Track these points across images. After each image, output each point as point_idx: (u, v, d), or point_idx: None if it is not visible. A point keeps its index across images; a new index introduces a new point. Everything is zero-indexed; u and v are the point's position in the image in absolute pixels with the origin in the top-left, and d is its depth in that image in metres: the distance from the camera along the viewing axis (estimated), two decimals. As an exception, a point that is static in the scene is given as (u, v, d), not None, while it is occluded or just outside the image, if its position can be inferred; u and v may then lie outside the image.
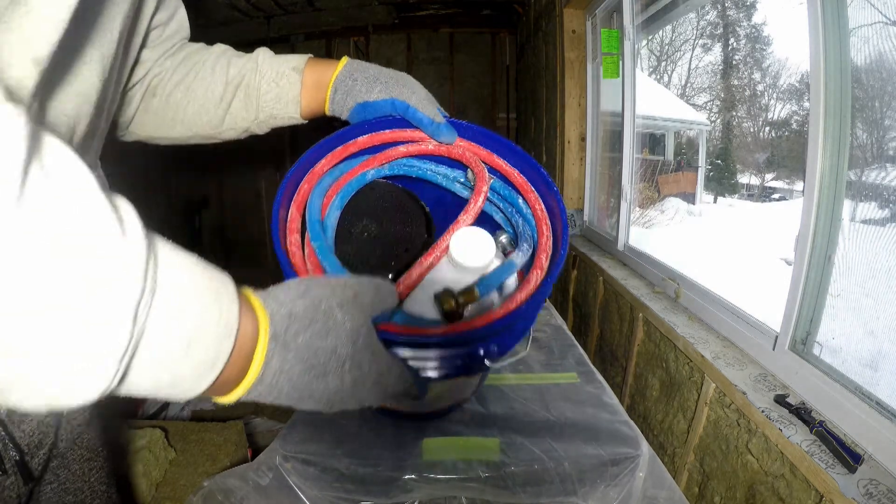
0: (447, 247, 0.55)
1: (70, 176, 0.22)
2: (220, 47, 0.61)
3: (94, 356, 0.23)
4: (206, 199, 4.30)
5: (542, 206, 0.58)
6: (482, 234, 0.56)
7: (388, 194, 0.65)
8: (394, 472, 0.62)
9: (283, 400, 0.34)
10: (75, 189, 0.22)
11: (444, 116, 0.58)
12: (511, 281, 0.57)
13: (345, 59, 0.59)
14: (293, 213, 0.53)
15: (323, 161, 0.58)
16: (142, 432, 1.25)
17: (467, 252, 0.55)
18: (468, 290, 0.52)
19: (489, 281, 0.53)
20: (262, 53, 0.60)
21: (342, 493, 0.61)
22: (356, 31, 3.94)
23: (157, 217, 3.76)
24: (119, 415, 1.45)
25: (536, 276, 0.51)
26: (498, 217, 0.66)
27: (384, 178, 0.64)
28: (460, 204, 0.59)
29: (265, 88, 0.59)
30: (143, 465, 1.17)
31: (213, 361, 0.29)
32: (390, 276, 0.60)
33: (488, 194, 0.63)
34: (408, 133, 0.60)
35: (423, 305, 0.57)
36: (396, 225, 0.63)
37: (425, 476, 0.62)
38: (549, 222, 0.57)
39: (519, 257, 0.55)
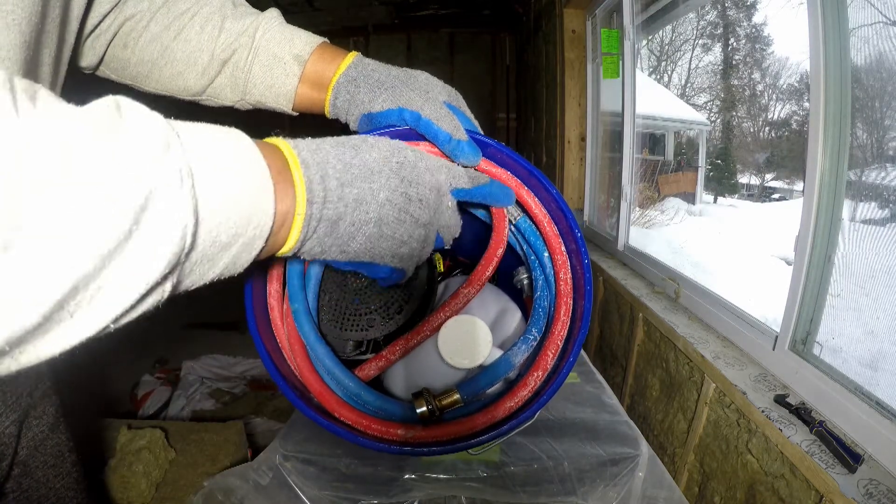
0: (437, 329, 0.48)
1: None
2: None
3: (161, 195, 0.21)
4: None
5: (570, 275, 0.48)
6: (479, 328, 0.48)
7: None
8: (394, 472, 0.62)
9: (356, 242, 0.33)
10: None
11: (469, 132, 0.47)
12: (519, 356, 0.48)
13: (351, 57, 0.50)
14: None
15: None
16: (142, 432, 1.24)
17: (459, 349, 0.47)
18: (449, 394, 0.45)
19: (477, 385, 0.46)
20: (265, 23, 0.50)
21: (342, 493, 0.61)
22: (356, 31, 3.94)
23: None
24: (95, 414, 1.44)
25: (535, 380, 0.44)
26: (521, 251, 0.56)
27: None
28: (477, 231, 0.50)
29: (257, 72, 0.50)
30: (143, 465, 1.17)
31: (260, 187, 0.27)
32: (386, 333, 0.53)
33: (512, 229, 0.54)
34: (421, 147, 0.48)
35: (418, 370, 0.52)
36: None
37: (425, 476, 0.62)
38: (570, 301, 0.47)
39: (520, 352, 0.46)
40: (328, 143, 0.33)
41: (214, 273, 0.26)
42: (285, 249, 0.31)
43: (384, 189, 0.34)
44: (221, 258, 0.26)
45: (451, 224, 0.41)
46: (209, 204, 0.24)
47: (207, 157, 0.25)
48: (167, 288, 0.23)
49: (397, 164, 0.35)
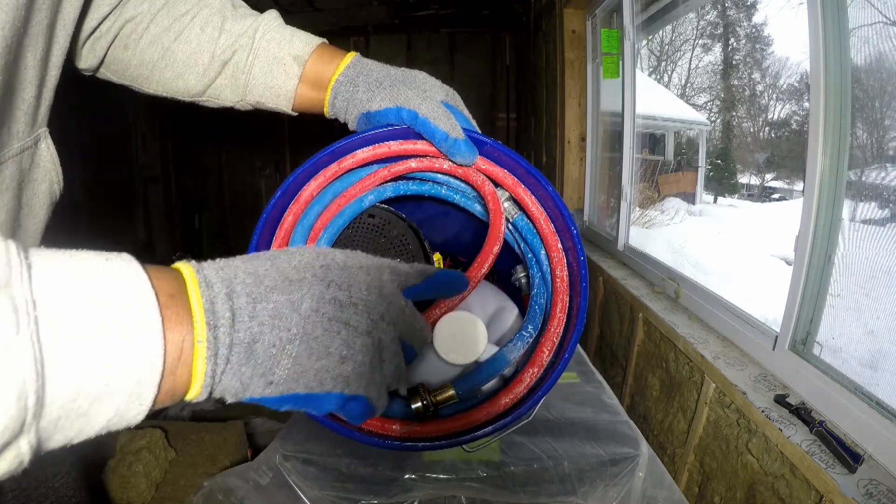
0: (433, 326, 0.47)
1: None
2: (218, 0, 0.51)
3: None
4: (205, 199, 4.31)
5: (566, 271, 0.48)
6: (474, 324, 0.48)
7: (386, 226, 0.55)
8: (394, 472, 0.62)
9: (281, 383, 0.27)
10: None
11: (466, 130, 0.47)
12: (515, 352, 0.48)
13: (350, 57, 0.50)
14: None
15: (312, 185, 0.49)
16: (142, 432, 1.25)
17: (454, 345, 0.47)
18: (444, 389, 0.45)
19: (472, 381, 0.46)
20: (265, 25, 0.50)
21: (342, 493, 0.61)
22: (356, 31, 3.94)
23: (157, 218, 3.76)
24: None
25: (530, 376, 0.44)
26: (518, 249, 0.56)
27: (385, 201, 0.54)
28: (476, 230, 0.52)
29: (257, 73, 0.50)
30: (143, 465, 1.17)
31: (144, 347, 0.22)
32: None
33: (509, 227, 0.54)
34: (419, 146, 0.49)
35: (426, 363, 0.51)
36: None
37: (425, 476, 0.62)
38: (566, 298, 0.47)
39: (516, 349, 0.47)
40: (239, 259, 0.29)
41: (96, 428, 0.22)
42: (194, 392, 0.25)
43: (307, 298, 0.28)
44: (99, 412, 0.22)
45: (416, 327, 0.34)
46: (62, 349, 0.20)
47: (62, 294, 0.21)
48: (23, 450, 0.19)
49: (322, 268, 0.30)
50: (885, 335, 0.85)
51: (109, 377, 0.21)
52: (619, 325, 1.53)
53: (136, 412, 0.23)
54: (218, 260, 0.28)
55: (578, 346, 0.95)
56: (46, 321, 0.20)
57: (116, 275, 0.23)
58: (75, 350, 0.20)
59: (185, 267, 0.26)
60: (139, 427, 1.28)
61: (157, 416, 2.02)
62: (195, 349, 0.24)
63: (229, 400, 0.27)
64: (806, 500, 0.71)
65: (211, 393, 0.26)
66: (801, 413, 0.76)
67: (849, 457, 0.65)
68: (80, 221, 2.91)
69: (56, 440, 0.21)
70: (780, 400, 0.80)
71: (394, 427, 0.43)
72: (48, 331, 0.20)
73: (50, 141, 0.42)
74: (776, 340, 0.90)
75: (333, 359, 0.29)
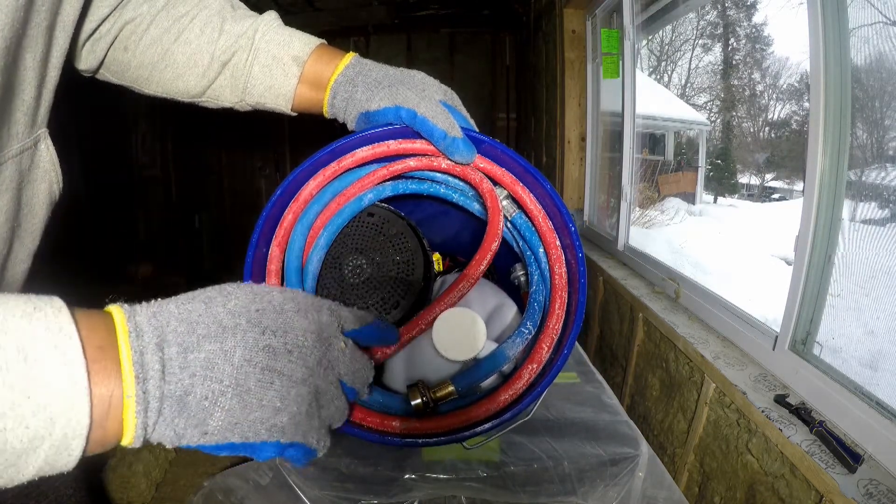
0: (432, 322, 0.48)
1: None
2: (217, 1, 0.51)
3: None
4: (205, 200, 4.31)
5: (564, 268, 0.48)
6: (473, 320, 0.48)
7: (385, 225, 0.55)
8: (394, 472, 0.62)
9: (216, 431, 0.27)
10: None
11: (464, 129, 0.47)
12: (514, 349, 0.48)
13: (349, 57, 0.50)
14: (274, 252, 0.47)
15: (311, 183, 0.50)
16: (142, 432, 1.25)
17: (453, 342, 0.47)
18: (443, 386, 0.45)
19: (471, 377, 0.46)
20: (265, 25, 0.50)
21: (342, 493, 0.61)
22: (356, 31, 3.94)
23: (157, 218, 3.76)
24: None
25: (529, 373, 0.44)
26: (517, 248, 0.56)
27: (385, 200, 0.54)
28: (475, 229, 0.51)
29: (256, 73, 0.50)
30: (143, 465, 1.17)
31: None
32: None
33: (508, 226, 0.54)
34: (418, 145, 0.49)
35: (419, 358, 0.52)
36: (394, 267, 0.54)
37: (425, 476, 0.62)
38: (565, 295, 0.47)
39: (515, 345, 0.47)
40: (173, 302, 0.28)
41: (27, 477, 0.22)
42: (127, 440, 0.25)
43: (240, 346, 0.28)
44: (28, 463, 0.22)
45: (355, 369, 0.34)
46: None
47: None
48: None
49: (257, 313, 0.29)
50: (885, 335, 0.85)
51: (35, 433, 0.21)
52: (619, 325, 1.53)
53: (65, 461, 0.23)
54: (152, 303, 0.27)
55: (579, 346, 0.95)
56: None
57: (41, 329, 0.22)
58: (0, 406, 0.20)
59: (118, 312, 0.26)
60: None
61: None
62: (125, 403, 0.24)
63: (167, 446, 0.27)
64: (806, 500, 0.71)
65: (147, 441, 0.26)
66: (801, 413, 0.76)
67: (849, 457, 0.65)
68: (79, 221, 2.91)
69: None
70: (780, 400, 0.80)
71: (393, 424, 0.44)
72: None
73: (49, 142, 0.43)
74: (776, 340, 0.90)
75: (267, 410, 0.28)
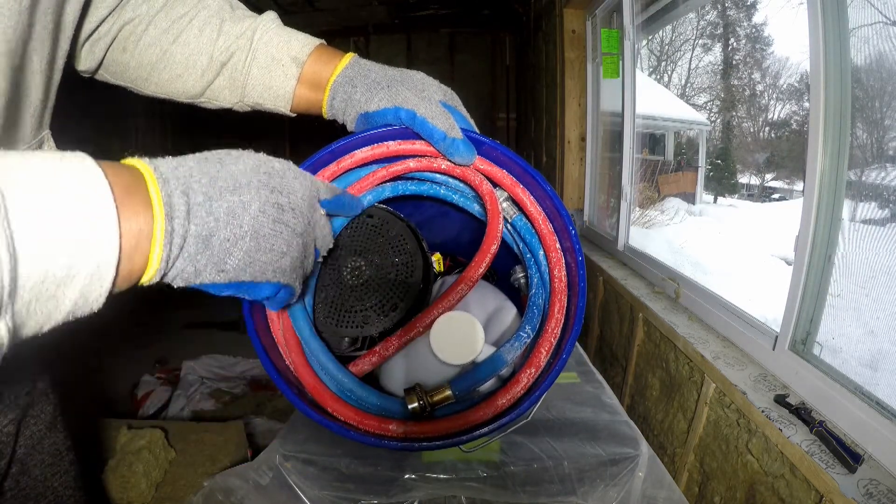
0: (430, 325, 0.48)
1: None
2: (216, 2, 0.51)
3: None
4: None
5: (564, 271, 0.48)
6: (471, 324, 0.48)
7: (385, 226, 0.55)
8: (394, 472, 0.62)
9: (230, 263, 0.30)
10: None
11: (464, 130, 0.47)
12: (512, 353, 0.48)
13: (348, 58, 0.50)
14: None
15: None
16: (142, 432, 1.24)
17: (451, 346, 0.47)
18: (440, 390, 0.45)
19: (469, 381, 0.46)
20: (263, 26, 0.51)
21: (342, 493, 0.61)
22: (356, 31, 3.95)
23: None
24: (93, 414, 1.44)
25: (528, 377, 0.44)
26: (517, 249, 0.56)
27: (384, 201, 0.55)
28: (475, 230, 0.51)
29: (255, 74, 0.50)
30: (143, 465, 1.17)
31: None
32: (382, 329, 0.53)
33: (508, 228, 0.54)
34: (417, 146, 0.49)
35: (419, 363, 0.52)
36: (393, 269, 0.54)
37: (425, 476, 0.62)
38: (564, 299, 0.47)
39: (514, 349, 0.47)
40: (191, 159, 0.31)
41: (63, 312, 0.24)
42: (149, 274, 0.28)
43: (255, 200, 0.32)
44: (65, 295, 0.24)
45: (325, 234, 0.40)
46: (30, 234, 0.22)
47: (24, 182, 0.22)
48: (2, 333, 0.21)
49: (266, 175, 0.34)
50: (885, 335, 0.85)
51: (72, 261, 0.23)
52: (619, 326, 1.53)
53: (97, 294, 0.25)
54: (169, 158, 0.30)
55: (579, 346, 0.95)
56: (14, 210, 0.21)
57: (73, 171, 0.24)
58: (42, 236, 0.22)
59: (140, 164, 0.28)
60: (139, 427, 1.28)
61: (157, 416, 2.02)
62: (153, 237, 0.27)
63: (178, 284, 0.30)
64: (806, 500, 0.71)
65: (165, 275, 0.29)
66: (801, 413, 0.76)
67: (849, 457, 0.65)
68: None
69: (29, 326, 0.23)
70: (780, 400, 0.80)
71: (391, 427, 0.44)
72: (16, 219, 0.21)
73: (52, 143, 0.43)
74: (776, 340, 0.90)
75: (276, 254, 0.33)
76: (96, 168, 0.25)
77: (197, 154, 0.32)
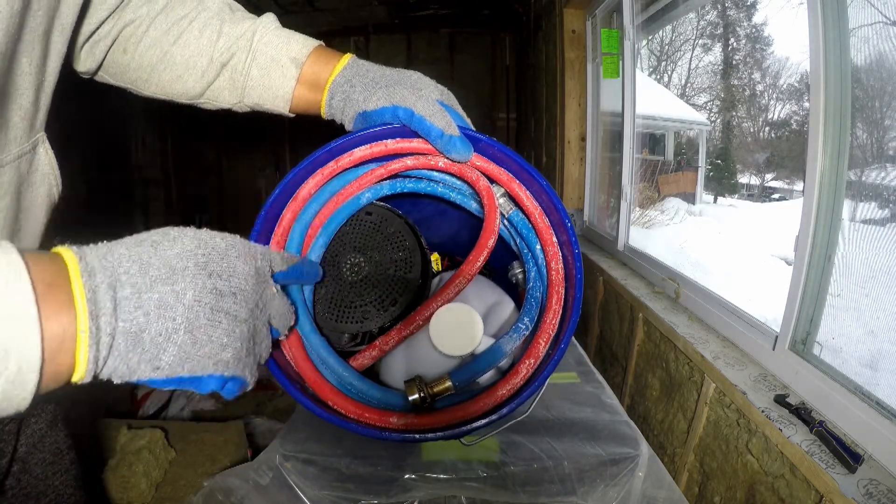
0: (429, 318, 0.48)
1: None
2: (216, 4, 0.51)
3: None
4: (205, 200, 4.30)
5: (561, 264, 0.49)
6: (470, 316, 0.48)
7: (383, 223, 0.56)
8: (394, 472, 0.62)
9: (166, 364, 0.28)
10: None
11: (461, 127, 0.48)
12: (511, 344, 0.49)
13: (346, 58, 0.51)
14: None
15: (310, 183, 0.50)
16: (142, 432, 1.25)
17: (450, 337, 0.48)
18: (441, 381, 0.46)
19: (469, 372, 0.46)
20: (263, 27, 0.51)
21: (342, 493, 0.61)
22: (356, 31, 3.94)
23: (157, 218, 3.76)
24: (93, 413, 1.44)
25: (527, 367, 0.45)
26: (514, 245, 0.56)
27: (383, 198, 0.55)
28: (473, 228, 0.52)
29: (255, 75, 0.50)
30: (143, 465, 1.17)
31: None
32: (381, 324, 0.53)
33: (505, 223, 0.54)
34: (415, 144, 0.50)
35: (419, 354, 0.52)
36: (392, 265, 0.55)
37: (425, 476, 0.62)
38: (562, 290, 0.48)
39: (513, 340, 0.47)
40: (123, 245, 0.29)
41: None
42: (79, 374, 0.26)
43: (190, 288, 0.30)
44: None
45: (282, 312, 0.37)
46: None
47: None
48: None
49: (203, 258, 0.31)
50: (885, 335, 0.85)
51: None
52: (619, 326, 1.53)
53: (21, 396, 0.24)
54: (101, 245, 0.29)
55: (579, 346, 0.95)
56: None
57: None
58: None
59: (67, 253, 0.27)
60: (139, 427, 1.28)
61: (157, 416, 2.02)
62: (77, 338, 0.25)
63: (116, 381, 0.28)
64: (806, 500, 0.71)
65: (98, 375, 0.27)
66: (801, 413, 0.76)
67: (849, 457, 0.65)
68: (79, 222, 2.91)
69: None
70: (780, 400, 0.80)
71: (392, 419, 0.44)
72: None
73: (48, 146, 0.43)
74: (776, 340, 0.90)
75: (215, 346, 0.31)
76: (20, 262, 0.23)
77: (132, 237, 0.30)
